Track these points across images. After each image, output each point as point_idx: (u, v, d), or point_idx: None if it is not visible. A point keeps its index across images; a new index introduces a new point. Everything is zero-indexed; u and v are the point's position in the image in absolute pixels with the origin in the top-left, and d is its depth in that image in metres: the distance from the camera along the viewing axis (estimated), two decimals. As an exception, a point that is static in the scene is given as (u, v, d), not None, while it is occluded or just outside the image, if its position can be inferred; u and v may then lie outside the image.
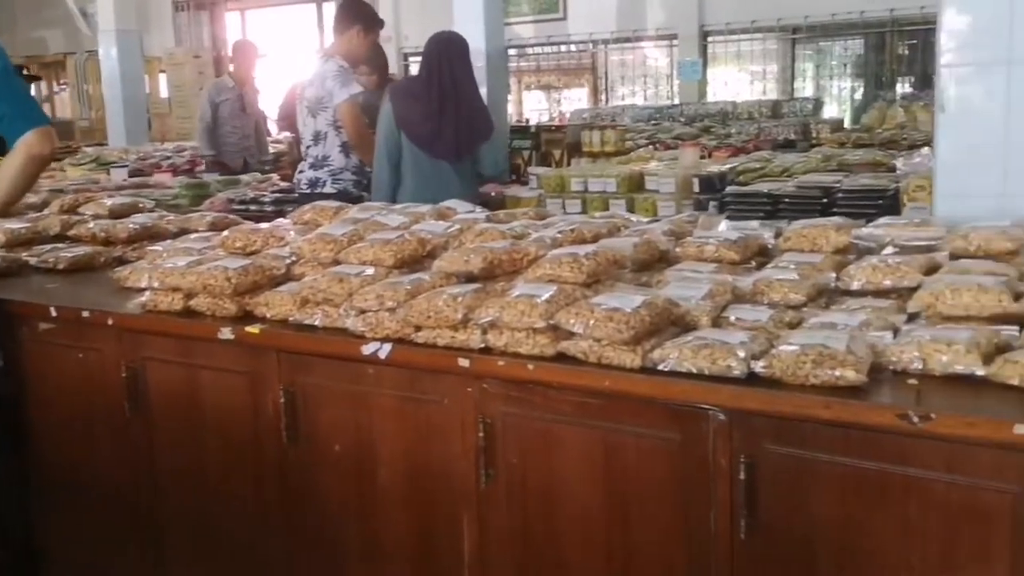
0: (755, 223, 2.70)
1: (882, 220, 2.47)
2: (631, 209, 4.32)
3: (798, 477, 1.75)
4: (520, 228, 2.57)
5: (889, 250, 2.31)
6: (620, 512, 1.93)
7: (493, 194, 4.80)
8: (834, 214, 3.54)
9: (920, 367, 1.75)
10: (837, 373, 1.71)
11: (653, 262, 2.41)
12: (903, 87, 12.25)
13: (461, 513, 2.11)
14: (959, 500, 1.61)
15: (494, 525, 2.08)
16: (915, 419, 1.60)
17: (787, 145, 7.68)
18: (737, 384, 1.76)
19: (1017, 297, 1.91)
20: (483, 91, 5.27)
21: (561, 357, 1.95)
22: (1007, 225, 2.24)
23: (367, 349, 2.12)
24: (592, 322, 1.89)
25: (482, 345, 2.02)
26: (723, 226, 2.62)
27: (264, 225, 2.82)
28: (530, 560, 2.05)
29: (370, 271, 2.29)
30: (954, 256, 2.21)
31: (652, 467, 1.88)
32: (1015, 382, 1.67)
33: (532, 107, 16.58)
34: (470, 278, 2.22)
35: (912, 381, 1.73)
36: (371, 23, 4.87)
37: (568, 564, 2.01)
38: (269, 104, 9.21)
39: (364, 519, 2.26)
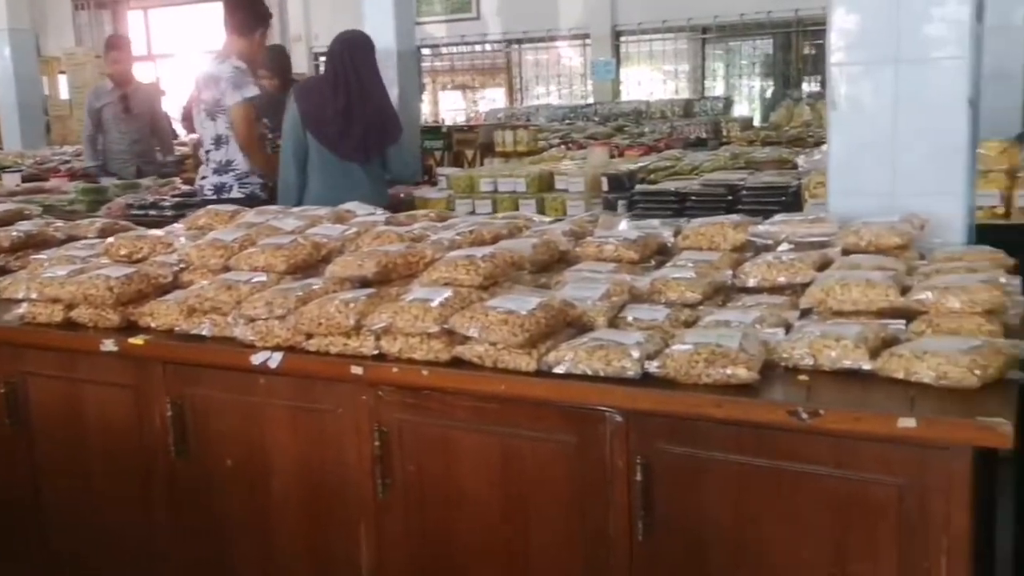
0: (656, 222, 2.71)
1: (778, 217, 2.50)
2: (541, 209, 4.32)
3: (693, 476, 1.75)
4: (419, 230, 2.53)
5: (784, 247, 2.34)
6: (519, 516, 1.91)
7: (403, 196, 4.75)
8: (739, 211, 3.60)
9: (811, 363, 1.77)
10: (729, 372, 1.71)
11: (553, 263, 2.40)
12: (810, 86, 12.59)
13: (358, 523, 2.07)
14: (848, 494, 1.64)
15: (392, 534, 2.04)
16: (804, 415, 1.62)
17: (698, 143, 7.80)
18: (632, 385, 1.76)
19: (904, 291, 1.95)
20: (394, 91, 5.21)
21: (456, 362, 1.92)
22: (896, 221, 2.29)
23: (257, 359, 2.07)
24: (487, 325, 1.87)
25: (376, 352, 1.99)
26: (623, 225, 2.63)
27: (152, 231, 2.72)
28: (429, 568, 2.02)
29: (262, 277, 2.23)
30: (846, 252, 2.25)
31: (550, 470, 1.87)
32: (900, 375, 1.70)
33: (449, 107, 16.54)
34: (365, 283, 2.18)
35: (803, 377, 1.75)
36: (268, 23, 4.78)
37: (467, 571, 1.98)
38: (175, 105, 8.96)
39: (259, 533, 2.20)
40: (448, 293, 2.00)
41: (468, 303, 1.98)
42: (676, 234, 2.51)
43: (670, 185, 4.31)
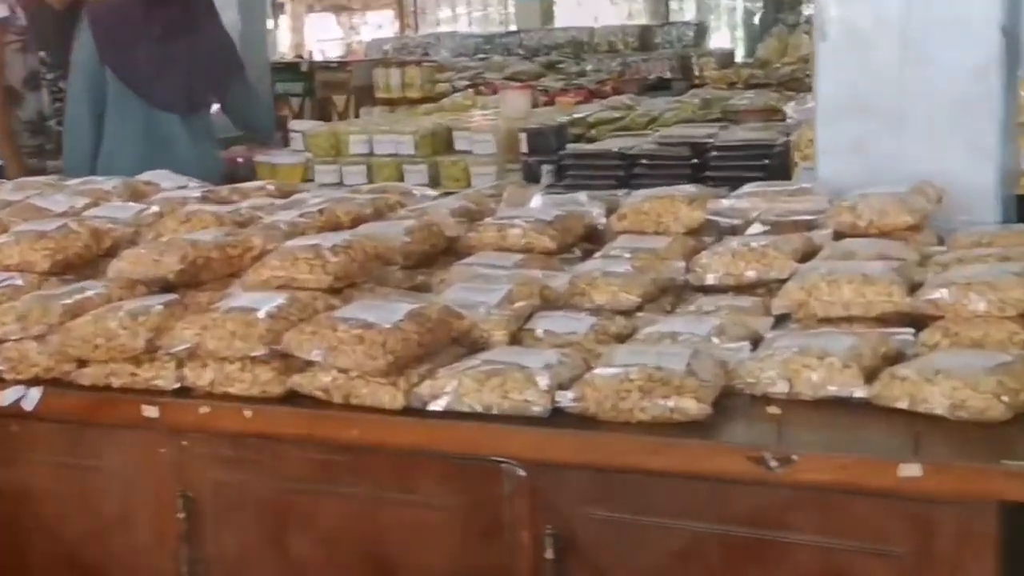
0: (584, 196, 2.72)
1: (748, 188, 2.53)
2: (435, 177, 4.34)
3: (625, 550, 1.76)
4: (248, 210, 2.54)
5: (756, 228, 2.37)
6: (383, 614, 1.91)
7: (242, 160, 4.73)
8: (707, 180, 3.64)
9: (785, 390, 1.80)
10: (672, 404, 1.73)
11: (436, 255, 2.41)
12: (809, 8, 12.81)
13: (156, 632, 2.06)
14: (833, 569, 1.65)
15: (204, 647, 2.03)
16: (773, 463, 1.63)
17: (660, 86, 7.91)
18: (539, 426, 1.76)
19: (913, 289, 1.98)
20: (231, 12, 5.21)
21: (293, 397, 1.92)
22: (905, 192, 2.33)
23: (6, 397, 2.04)
24: (335, 345, 1.86)
25: (177, 385, 1.98)
26: (536, 201, 2.64)
27: None
28: None
29: (14, 280, 2.22)
30: (839, 235, 2.29)
31: (425, 547, 1.87)
32: (903, 405, 1.72)
33: (320, 37, 16.52)
34: (164, 286, 2.17)
35: (773, 410, 1.77)
36: None
37: None
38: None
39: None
40: (282, 300, 2.00)
41: (310, 314, 1.97)
42: (610, 212, 2.54)
43: (613, 144, 4.36)
